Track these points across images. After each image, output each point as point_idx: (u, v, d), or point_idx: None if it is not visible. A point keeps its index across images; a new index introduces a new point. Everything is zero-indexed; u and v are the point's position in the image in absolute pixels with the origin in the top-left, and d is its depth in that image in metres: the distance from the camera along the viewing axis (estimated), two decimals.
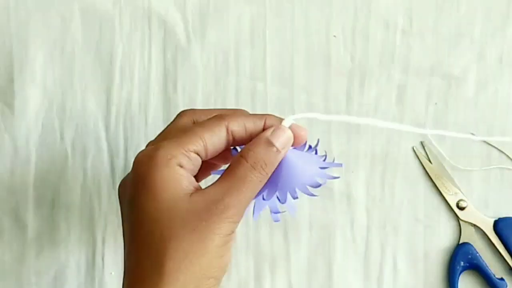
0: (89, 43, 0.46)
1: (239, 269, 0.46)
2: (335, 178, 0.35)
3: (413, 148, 0.45)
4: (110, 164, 0.46)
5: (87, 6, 0.46)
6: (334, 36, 0.46)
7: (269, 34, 0.46)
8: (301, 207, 0.45)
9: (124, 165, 0.46)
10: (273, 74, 0.46)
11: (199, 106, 0.46)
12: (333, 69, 0.46)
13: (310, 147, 0.36)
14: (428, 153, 0.45)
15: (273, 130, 0.32)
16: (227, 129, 0.31)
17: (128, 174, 0.32)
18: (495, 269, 0.44)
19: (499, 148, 0.45)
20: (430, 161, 0.45)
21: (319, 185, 0.33)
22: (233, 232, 0.30)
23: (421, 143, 0.45)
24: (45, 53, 0.46)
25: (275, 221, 0.34)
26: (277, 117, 0.33)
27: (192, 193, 0.30)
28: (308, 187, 0.33)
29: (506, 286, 0.43)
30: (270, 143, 0.31)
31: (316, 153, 0.35)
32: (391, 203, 0.45)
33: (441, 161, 0.45)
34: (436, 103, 0.46)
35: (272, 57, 0.46)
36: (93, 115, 0.46)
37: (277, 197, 0.33)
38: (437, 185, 0.44)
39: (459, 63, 0.46)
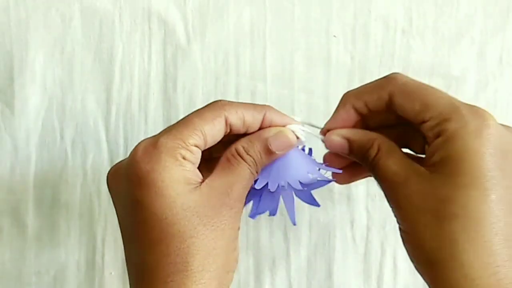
0: (89, 43, 0.46)
1: (239, 269, 0.46)
2: (329, 181, 0.34)
3: None
4: (110, 164, 0.46)
5: (87, 6, 0.46)
6: (334, 36, 0.46)
7: (269, 34, 0.46)
8: (301, 207, 0.44)
9: None
10: (273, 74, 0.46)
11: (199, 106, 0.45)
12: (333, 69, 0.46)
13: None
14: None
15: (275, 133, 0.31)
16: (226, 121, 0.31)
17: (119, 164, 0.32)
18: None
19: None
20: None
21: (309, 182, 0.33)
22: (239, 225, 0.31)
23: None
24: (45, 53, 0.46)
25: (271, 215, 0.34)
26: (278, 111, 0.33)
27: (200, 186, 0.29)
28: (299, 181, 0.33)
29: None
30: (267, 145, 0.31)
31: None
32: None
33: None
34: None
35: (272, 57, 0.46)
36: (93, 115, 0.46)
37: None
38: None
39: (459, 63, 0.46)
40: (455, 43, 0.46)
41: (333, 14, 0.46)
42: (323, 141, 0.33)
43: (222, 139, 0.32)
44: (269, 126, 0.32)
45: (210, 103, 0.32)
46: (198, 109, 0.31)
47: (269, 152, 0.31)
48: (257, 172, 0.32)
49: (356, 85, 0.45)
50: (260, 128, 0.32)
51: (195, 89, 0.46)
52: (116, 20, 0.46)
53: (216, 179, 0.30)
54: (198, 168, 0.31)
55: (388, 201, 0.30)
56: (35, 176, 0.46)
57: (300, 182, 0.32)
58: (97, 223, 0.46)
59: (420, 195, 0.27)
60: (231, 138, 0.32)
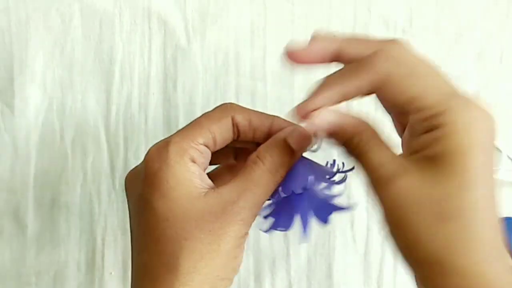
0: (89, 43, 0.46)
1: (239, 269, 0.46)
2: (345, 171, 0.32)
3: None
4: (110, 164, 0.46)
5: (87, 6, 0.46)
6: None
7: (269, 34, 0.46)
8: None
9: (124, 165, 0.46)
10: (273, 74, 0.46)
11: (199, 106, 0.46)
12: (333, 69, 0.46)
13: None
14: None
15: (291, 131, 0.31)
16: (233, 121, 0.31)
17: (137, 167, 0.32)
18: None
19: (499, 148, 0.45)
20: None
21: (334, 173, 0.31)
22: (246, 233, 0.30)
23: None
24: (45, 53, 0.46)
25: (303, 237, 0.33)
26: (286, 120, 0.32)
27: (206, 193, 0.30)
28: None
29: None
30: (287, 145, 0.30)
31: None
32: None
33: None
34: None
35: (272, 57, 0.46)
36: (93, 115, 0.46)
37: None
38: None
39: (459, 63, 0.46)
40: (455, 43, 0.46)
41: (333, 14, 0.46)
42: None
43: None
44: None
45: (219, 105, 0.32)
46: (207, 112, 0.32)
47: (289, 150, 0.30)
48: (281, 177, 0.31)
49: None
50: (269, 135, 0.32)
51: (195, 89, 0.46)
52: (116, 20, 0.46)
53: (227, 188, 0.30)
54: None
55: (374, 196, 0.29)
56: (35, 176, 0.46)
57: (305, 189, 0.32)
58: (97, 223, 0.46)
59: (410, 193, 0.27)
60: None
